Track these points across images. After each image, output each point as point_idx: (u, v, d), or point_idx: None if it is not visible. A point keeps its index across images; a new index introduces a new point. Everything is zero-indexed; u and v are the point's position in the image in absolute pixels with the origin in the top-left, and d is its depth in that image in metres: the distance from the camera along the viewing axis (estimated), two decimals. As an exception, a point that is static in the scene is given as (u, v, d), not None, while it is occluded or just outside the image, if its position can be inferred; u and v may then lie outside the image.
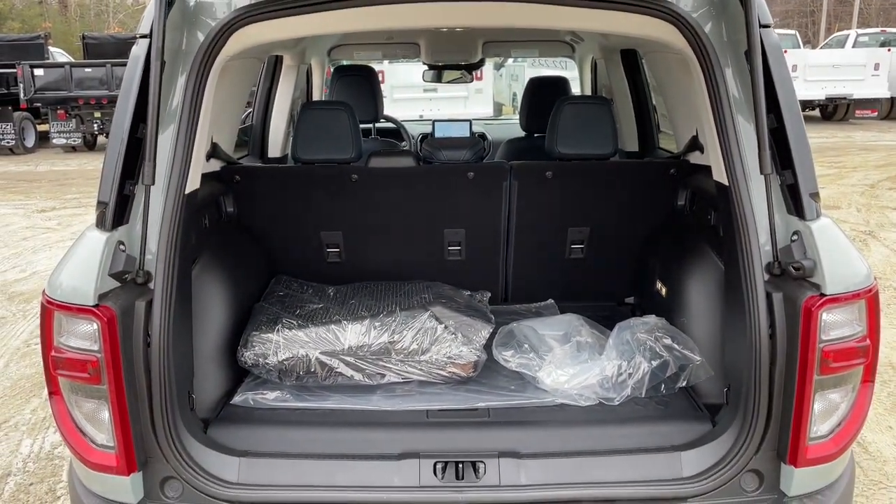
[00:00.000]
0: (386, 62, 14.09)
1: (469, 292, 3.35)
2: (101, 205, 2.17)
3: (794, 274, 2.15)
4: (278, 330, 2.64)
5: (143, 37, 2.24)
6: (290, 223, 3.36)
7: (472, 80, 5.80)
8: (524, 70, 16.08)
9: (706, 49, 2.28)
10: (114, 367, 2.10)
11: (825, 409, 2.20)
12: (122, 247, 2.17)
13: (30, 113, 16.86)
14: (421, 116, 11.61)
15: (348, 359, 2.63)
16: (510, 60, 16.74)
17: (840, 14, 39.73)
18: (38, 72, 15.76)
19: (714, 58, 2.28)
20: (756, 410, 2.21)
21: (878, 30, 24.24)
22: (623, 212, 3.40)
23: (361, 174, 3.22)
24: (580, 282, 3.56)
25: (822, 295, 2.10)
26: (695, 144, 3.14)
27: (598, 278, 3.55)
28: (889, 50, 19.00)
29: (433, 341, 2.65)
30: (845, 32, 23.48)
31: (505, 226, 3.41)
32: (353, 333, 2.63)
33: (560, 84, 4.55)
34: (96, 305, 2.07)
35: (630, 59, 4.41)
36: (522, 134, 4.72)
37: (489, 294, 3.40)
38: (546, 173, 3.27)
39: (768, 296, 2.20)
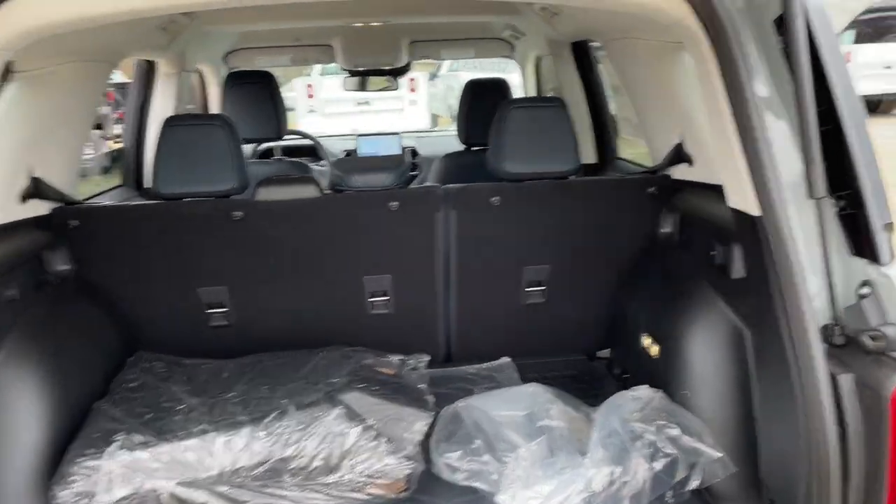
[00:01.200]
0: (316, 74, 13.28)
1: (401, 357, 2.57)
2: None
3: (869, 346, 1.45)
4: (112, 453, 1.79)
5: None
6: (154, 279, 2.51)
7: (397, 88, 5.04)
8: (458, 78, 15.43)
9: (720, 19, 1.56)
10: None
11: (921, 543, 1.50)
12: None
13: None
14: (355, 131, 10.80)
15: (221, 489, 1.79)
16: (444, 68, 16.12)
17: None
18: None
19: (731, 31, 1.57)
20: None
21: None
22: (591, 243, 2.67)
23: (247, 210, 2.41)
24: (541, 333, 2.81)
25: (920, 380, 1.40)
26: (679, 155, 2.44)
27: (564, 327, 2.81)
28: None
29: (345, 453, 1.85)
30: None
31: (443, 268, 2.64)
32: (225, 450, 1.80)
33: (501, 87, 3.82)
34: None
35: (581, 53, 3.73)
36: (462, 148, 3.96)
37: (427, 357, 2.61)
38: (491, 199, 2.52)
39: (833, 379, 1.49)
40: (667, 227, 2.50)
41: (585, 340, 2.86)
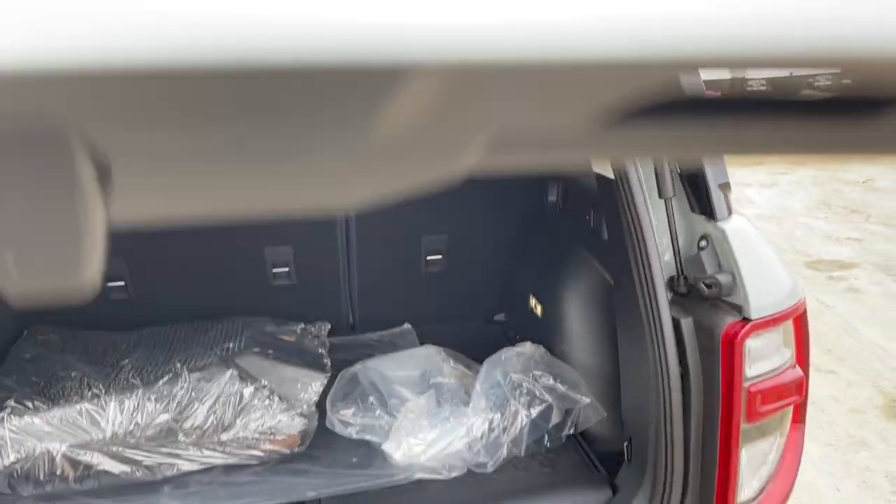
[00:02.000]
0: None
1: (303, 325, 2.65)
2: None
3: (706, 293, 1.63)
4: (2, 419, 1.82)
5: None
6: None
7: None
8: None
9: None
10: None
11: (752, 466, 1.70)
12: None
13: None
14: None
15: (114, 449, 1.85)
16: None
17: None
18: None
19: None
20: (669, 473, 1.68)
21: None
22: (486, 213, 2.80)
23: None
24: (442, 300, 2.94)
25: (746, 319, 1.58)
26: None
27: (462, 294, 2.95)
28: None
29: (239, 412, 1.93)
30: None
31: (343, 238, 2.72)
32: (117, 413, 1.85)
33: None
34: None
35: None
36: None
37: (328, 325, 2.70)
38: None
39: (675, 322, 1.66)
40: (552, 196, 2.65)
41: (483, 306, 3.01)
